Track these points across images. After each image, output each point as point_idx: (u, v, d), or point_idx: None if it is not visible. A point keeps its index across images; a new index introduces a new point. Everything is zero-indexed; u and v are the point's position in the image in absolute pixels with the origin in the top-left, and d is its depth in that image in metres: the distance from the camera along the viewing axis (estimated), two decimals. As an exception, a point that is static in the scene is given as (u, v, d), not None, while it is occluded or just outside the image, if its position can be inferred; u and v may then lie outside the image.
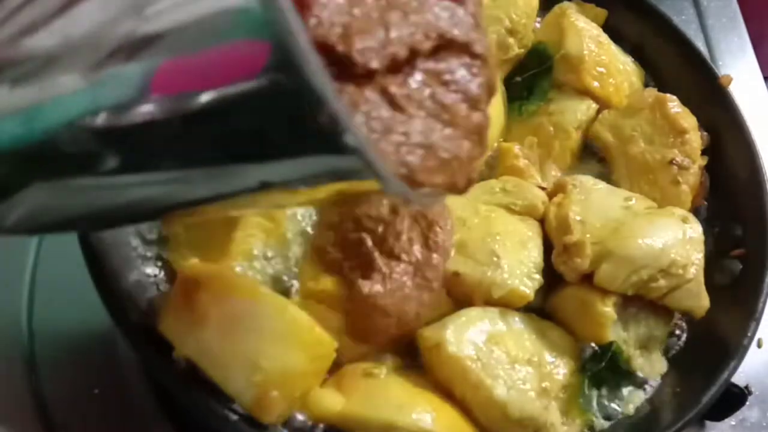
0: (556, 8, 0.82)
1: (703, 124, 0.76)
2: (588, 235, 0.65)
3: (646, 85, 0.82)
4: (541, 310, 0.65)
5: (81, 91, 0.32)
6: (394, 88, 0.38)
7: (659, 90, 0.77)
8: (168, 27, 0.31)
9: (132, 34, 0.31)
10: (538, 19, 0.81)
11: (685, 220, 0.67)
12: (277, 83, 0.30)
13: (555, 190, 0.70)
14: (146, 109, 0.32)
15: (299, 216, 0.65)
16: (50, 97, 0.33)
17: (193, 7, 0.30)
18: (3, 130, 0.33)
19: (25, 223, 0.38)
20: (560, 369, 0.62)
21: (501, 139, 0.76)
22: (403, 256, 0.62)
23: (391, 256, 0.61)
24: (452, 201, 0.64)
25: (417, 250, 0.62)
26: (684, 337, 0.69)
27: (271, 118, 0.31)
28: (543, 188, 0.71)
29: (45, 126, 0.33)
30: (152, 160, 0.35)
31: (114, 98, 0.32)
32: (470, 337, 0.60)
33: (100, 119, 0.32)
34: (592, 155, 0.77)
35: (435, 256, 0.63)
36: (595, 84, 0.77)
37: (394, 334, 0.61)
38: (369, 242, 0.61)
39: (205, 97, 0.31)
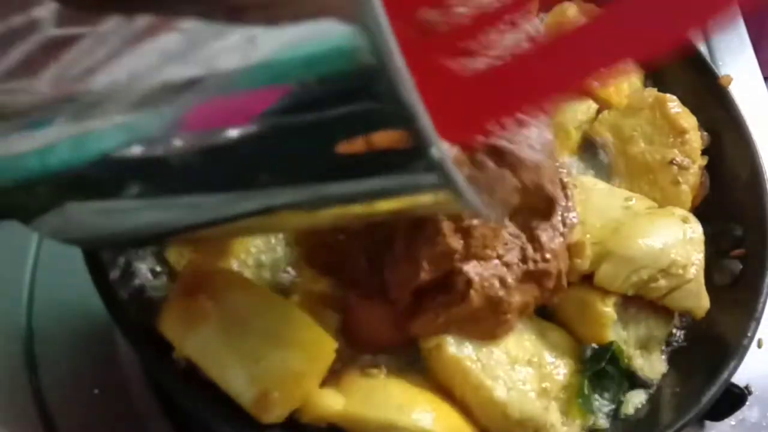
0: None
1: (703, 124, 0.76)
2: (588, 235, 0.64)
3: (645, 85, 0.82)
4: (541, 311, 0.65)
5: (120, 126, 0.37)
6: None
7: (659, 90, 0.77)
8: (206, 73, 0.35)
9: (174, 77, 0.35)
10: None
11: (685, 220, 0.67)
12: (368, 107, 0.32)
13: (555, 190, 0.70)
14: (175, 144, 0.36)
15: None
16: (95, 129, 0.37)
17: (236, 56, 0.34)
18: (56, 155, 0.38)
19: (56, 236, 0.44)
20: (560, 369, 0.62)
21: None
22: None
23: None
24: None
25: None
26: (684, 337, 0.69)
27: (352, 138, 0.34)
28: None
29: (86, 155, 0.38)
30: (175, 186, 0.39)
31: (145, 134, 0.36)
32: (470, 338, 0.60)
33: (134, 151, 0.37)
34: (593, 155, 0.77)
35: None
36: (596, 84, 0.76)
37: (387, 343, 0.61)
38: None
39: (235, 132, 0.35)
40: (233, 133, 0.36)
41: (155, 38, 0.35)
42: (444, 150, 0.33)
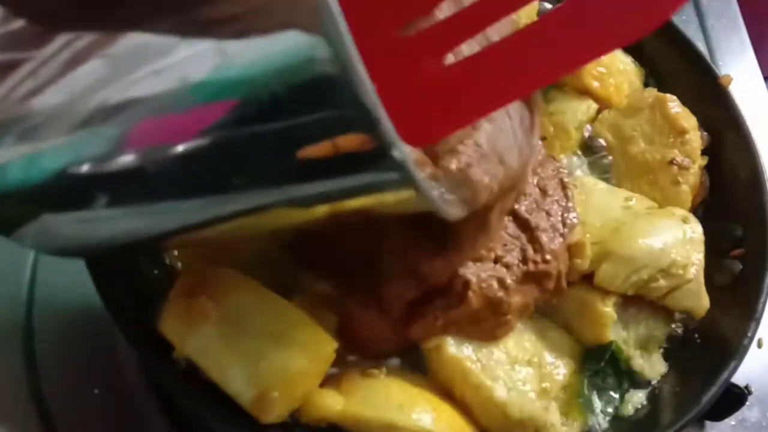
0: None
1: (703, 124, 0.76)
2: (588, 235, 0.65)
3: (646, 85, 0.82)
4: (541, 310, 0.65)
5: (67, 145, 0.39)
6: None
7: (659, 90, 0.77)
8: (144, 94, 0.37)
9: (108, 100, 0.37)
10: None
11: (685, 221, 0.67)
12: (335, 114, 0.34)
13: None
14: (122, 160, 0.39)
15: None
16: (44, 149, 0.39)
17: (168, 76, 0.36)
18: (11, 173, 0.40)
19: (38, 247, 0.46)
20: (560, 369, 0.62)
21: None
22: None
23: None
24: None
25: None
26: (684, 337, 0.69)
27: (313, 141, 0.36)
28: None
29: (40, 173, 0.40)
30: (138, 195, 0.41)
31: (92, 152, 0.39)
32: (470, 338, 0.60)
33: (84, 168, 0.39)
34: (593, 155, 0.77)
35: None
36: (596, 84, 0.77)
37: (386, 349, 0.61)
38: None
39: (181, 148, 0.38)
40: (190, 145, 0.38)
41: (91, 62, 0.37)
42: (404, 150, 0.35)
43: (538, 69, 0.45)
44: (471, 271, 0.59)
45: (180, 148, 0.38)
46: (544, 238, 0.62)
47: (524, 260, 0.61)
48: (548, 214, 0.63)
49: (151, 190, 0.41)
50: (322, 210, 0.41)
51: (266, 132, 0.36)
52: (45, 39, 0.38)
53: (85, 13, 0.38)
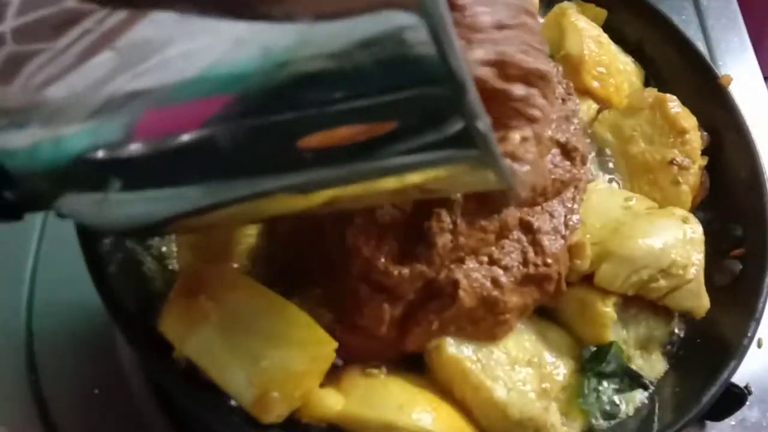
0: (556, 8, 0.82)
1: (703, 124, 0.76)
2: (588, 236, 0.64)
3: (646, 85, 0.82)
4: (541, 311, 0.65)
5: (83, 133, 0.41)
6: None
7: (659, 90, 0.77)
8: (153, 84, 0.39)
9: (119, 90, 0.40)
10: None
11: (685, 221, 0.67)
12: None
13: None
14: (132, 147, 0.41)
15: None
16: (63, 135, 0.42)
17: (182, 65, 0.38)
18: (41, 154, 0.43)
19: (72, 218, 0.48)
20: (560, 369, 0.62)
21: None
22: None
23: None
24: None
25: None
26: (684, 337, 0.69)
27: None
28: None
29: (64, 155, 0.42)
30: (149, 181, 0.43)
31: (105, 140, 0.41)
32: (470, 338, 0.60)
33: (99, 154, 0.41)
34: (593, 155, 0.77)
35: None
36: (596, 84, 0.77)
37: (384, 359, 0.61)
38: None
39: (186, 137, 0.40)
40: (211, 130, 0.39)
41: (102, 54, 0.40)
42: (488, 123, 0.36)
43: None
44: (461, 271, 0.59)
45: (260, 124, 0.39)
46: (545, 241, 0.62)
47: (525, 262, 0.61)
48: (551, 215, 0.63)
49: (168, 174, 0.43)
50: (388, 184, 0.42)
51: (353, 109, 0.37)
52: (60, 31, 0.40)
53: None
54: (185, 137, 0.40)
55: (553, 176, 0.64)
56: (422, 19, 0.33)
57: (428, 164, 0.39)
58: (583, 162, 0.67)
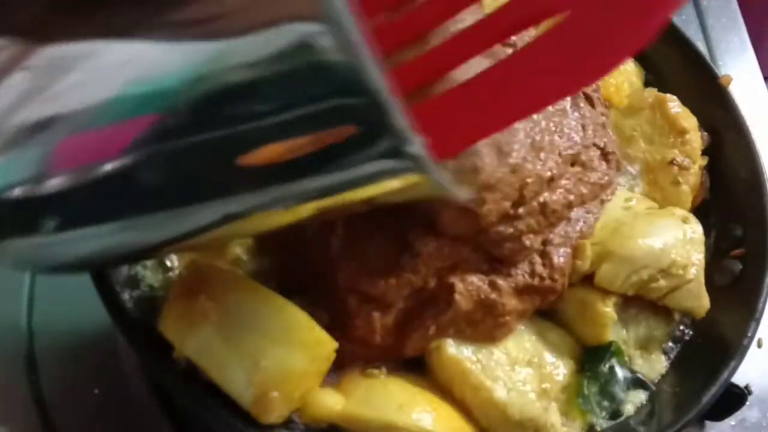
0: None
1: (703, 124, 0.76)
2: (588, 236, 0.65)
3: (646, 85, 0.82)
4: (541, 311, 0.65)
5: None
6: None
7: (659, 90, 0.77)
8: (65, 109, 0.35)
9: (28, 118, 0.35)
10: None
11: (685, 221, 0.67)
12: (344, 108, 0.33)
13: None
14: (53, 182, 0.37)
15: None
16: None
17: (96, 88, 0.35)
18: None
19: (16, 267, 0.45)
20: (560, 370, 0.62)
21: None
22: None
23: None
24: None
25: None
26: (684, 337, 0.69)
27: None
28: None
29: None
30: (86, 217, 0.39)
31: (20, 176, 0.37)
32: (470, 338, 0.60)
33: (15, 193, 0.37)
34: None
35: None
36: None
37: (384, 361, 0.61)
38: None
39: (111, 165, 0.36)
40: (133, 156, 0.36)
41: (12, 75, 0.36)
42: (419, 138, 0.34)
43: (553, 81, 0.45)
44: (456, 275, 0.59)
45: (174, 148, 0.36)
46: (554, 257, 0.62)
47: (532, 274, 0.61)
48: (567, 220, 0.63)
49: (104, 207, 0.39)
50: (330, 201, 0.40)
51: (272, 125, 0.35)
52: None
53: (68, 21, 0.36)
54: (111, 164, 0.36)
55: (591, 181, 0.64)
56: (328, 27, 0.31)
57: (374, 176, 0.37)
58: (618, 167, 0.68)
